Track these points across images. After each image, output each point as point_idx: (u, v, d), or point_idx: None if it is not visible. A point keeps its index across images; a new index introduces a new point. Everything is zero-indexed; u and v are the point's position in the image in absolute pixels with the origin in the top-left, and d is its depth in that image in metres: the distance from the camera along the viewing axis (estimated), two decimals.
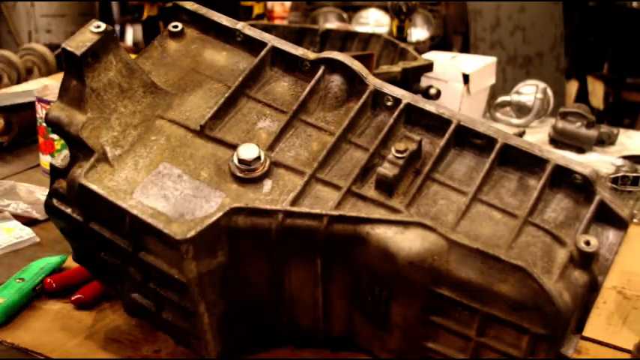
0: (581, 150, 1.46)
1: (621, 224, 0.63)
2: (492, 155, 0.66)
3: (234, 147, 0.67)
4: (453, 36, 3.06)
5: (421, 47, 2.60)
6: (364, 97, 0.70)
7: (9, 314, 0.78)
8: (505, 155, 0.67)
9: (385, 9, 2.81)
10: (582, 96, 3.33)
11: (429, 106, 0.69)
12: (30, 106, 1.29)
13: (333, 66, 0.72)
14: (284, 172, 0.67)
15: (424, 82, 1.45)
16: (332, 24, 2.96)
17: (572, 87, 3.37)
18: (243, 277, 0.68)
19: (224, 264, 0.65)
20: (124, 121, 0.68)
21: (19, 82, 1.65)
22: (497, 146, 0.66)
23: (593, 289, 0.62)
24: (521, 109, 1.64)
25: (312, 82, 0.72)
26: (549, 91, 1.65)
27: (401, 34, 1.71)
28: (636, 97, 3.22)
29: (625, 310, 0.87)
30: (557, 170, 0.65)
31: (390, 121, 0.69)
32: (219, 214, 0.63)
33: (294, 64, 0.73)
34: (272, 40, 0.74)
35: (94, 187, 0.64)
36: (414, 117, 0.70)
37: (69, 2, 3.07)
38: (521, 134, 1.48)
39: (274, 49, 0.74)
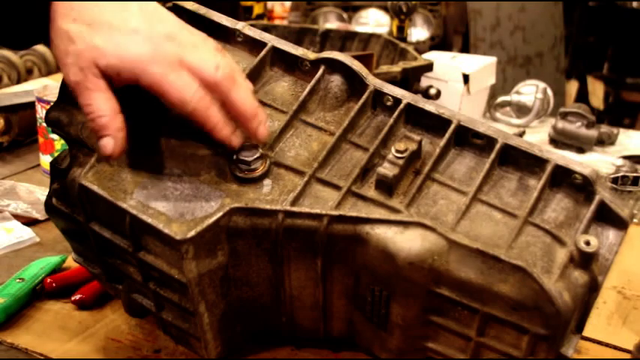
0: (581, 150, 1.46)
1: (621, 224, 0.63)
2: (492, 155, 0.66)
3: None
4: (453, 36, 3.06)
5: (421, 47, 2.60)
6: (364, 97, 0.70)
7: (9, 314, 0.78)
8: (505, 155, 0.67)
9: (385, 9, 2.81)
10: (582, 96, 3.33)
11: (429, 106, 0.69)
12: (30, 106, 1.29)
13: (333, 66, 0.72)
14: (284, 172, 0.67)
15: (424, 82, 1.45)
16: (332, 24, 2.96)
17: (572, 87, 3.37)
18: (243, 277, 0.68)
19: (224, 264, 0.65)
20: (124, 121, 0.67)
21: (19, 82, 1.65)
22: (497, 146, 0.66)
23: (593, 289, 0.62)
24: (521, 109, 1.64)
25: (312, 82, 0.72)
26: (549, 91, 1.65)
27: (401, 34, 1.71)
28: (636, 97, 3.23)
29: (625, 310, 0.87)
30: (557, 170, 0.65)
31: (390, 121, 0.69)
32: (219, 214, 0.63)
33: (294, 64, 0.73)
34: (272, 40, 0.74)
35: (94, 187, 0.64)
36: (414, 117, 0.70)
37: None
38: (521, 134, 1.48)
39: (274, 49, 0.74)
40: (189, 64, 0.63)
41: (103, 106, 0.62)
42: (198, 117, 0.64)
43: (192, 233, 0.61)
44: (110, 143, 0.62)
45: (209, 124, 0.64)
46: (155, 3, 0.66)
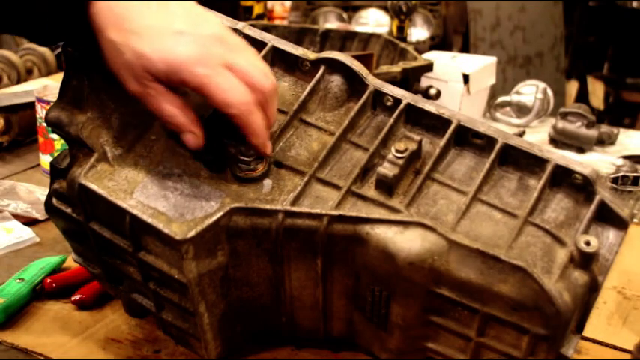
0: (581, 150, 1.46)
1: (621, 224, 0.63)
2: (492, 155, 0.66)
3: None
4: (453, 36, 3.06)
5: (421, 47, 2.60)
6: (364, 97, 0.70)
7: (9, 314, 0.78)
8: (505, 155, 0.67)
9: (385, 9, 2.81)
10: (582, 96, 3.33)
11: (429, 106, 0.69)
12: (30, 106, 1.29)
13: (333, 66, 0.72)
14: (284, 172, 0.67)
15: (424, 82, 1.45)
16: (332, 24, 2.96)
17: (572, 87, 3.37)
18: (243, 277, 0.68)
19: (224, 264, 0.65)
20: (124, 120, 0.67)
21: (19, 82, 1.65)
22: (497, 146, 0.66)
23: (593, 289, 0.62)
24: (521, 109, 1.64)
25: (312, 82, 0.72)
26: (549, 91, 1.65)
27: (401, 34, 1.71)
28: (636, 97, 3.22)
29: (625, 310, 0.87)
30: (557, 170, 0.65)
31: (390, 121, 0.69)
32: (219, 214, 0.63)
33: (294, 64, 0.73)
34: (272, 40, 0.74)
35: (94, 187, 0.64)
36: (414, 117, 0.70)
37: None
38: (521, 134, 1.48)
39: (274, 49, 0.74)
40: (237, 66, 0.62)
41: (170, 107, 0.63)
42: (240, 120, 0.63)
43: (192, 233, 0.61)
44: (191, 138, 0.64)
45: (249, 129, 0.64)
46: (196, 4, 0.65)
